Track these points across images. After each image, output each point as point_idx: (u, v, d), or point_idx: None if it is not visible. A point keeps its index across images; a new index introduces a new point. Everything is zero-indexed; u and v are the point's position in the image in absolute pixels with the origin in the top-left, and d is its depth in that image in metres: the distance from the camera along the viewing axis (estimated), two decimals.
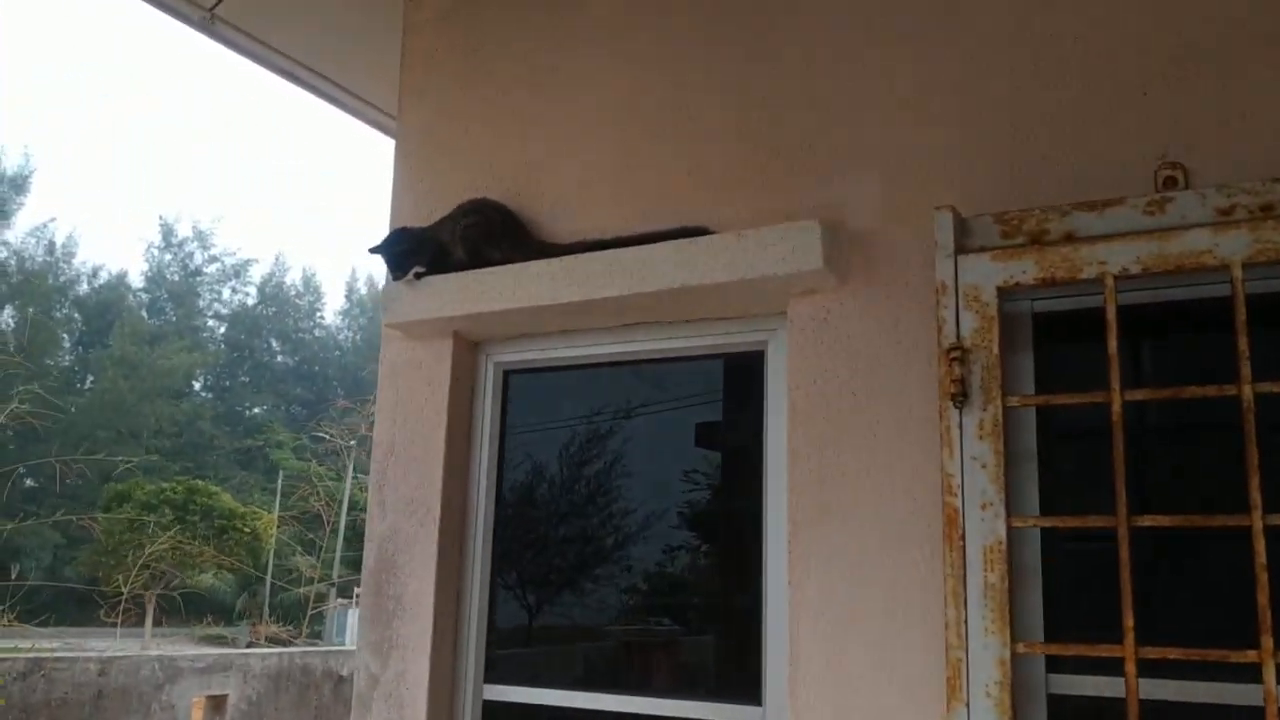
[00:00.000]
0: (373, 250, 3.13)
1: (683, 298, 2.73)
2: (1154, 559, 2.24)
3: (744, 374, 2.90)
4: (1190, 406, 2.19)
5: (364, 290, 63.44)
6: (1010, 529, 2.12)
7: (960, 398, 2.19)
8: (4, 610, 8.43)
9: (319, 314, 64.03)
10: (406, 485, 3.06)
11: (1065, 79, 2.47)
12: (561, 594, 3.18)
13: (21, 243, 50.18)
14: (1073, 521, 2.18)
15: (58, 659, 10.83)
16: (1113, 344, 2.08)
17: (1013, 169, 2.46)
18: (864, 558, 2.43)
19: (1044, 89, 2.48)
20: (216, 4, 3.99)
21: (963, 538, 2.15)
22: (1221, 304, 2.06)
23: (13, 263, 48.48)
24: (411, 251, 3.06)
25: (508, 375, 3.21)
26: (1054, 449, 2.33)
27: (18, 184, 49.94)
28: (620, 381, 3.11)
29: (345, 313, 65.17)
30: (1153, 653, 1.95)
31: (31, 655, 10.70)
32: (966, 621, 2.10)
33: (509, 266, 2.91)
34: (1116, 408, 2.06)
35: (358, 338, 62.78)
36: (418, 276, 3.04)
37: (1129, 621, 1.96)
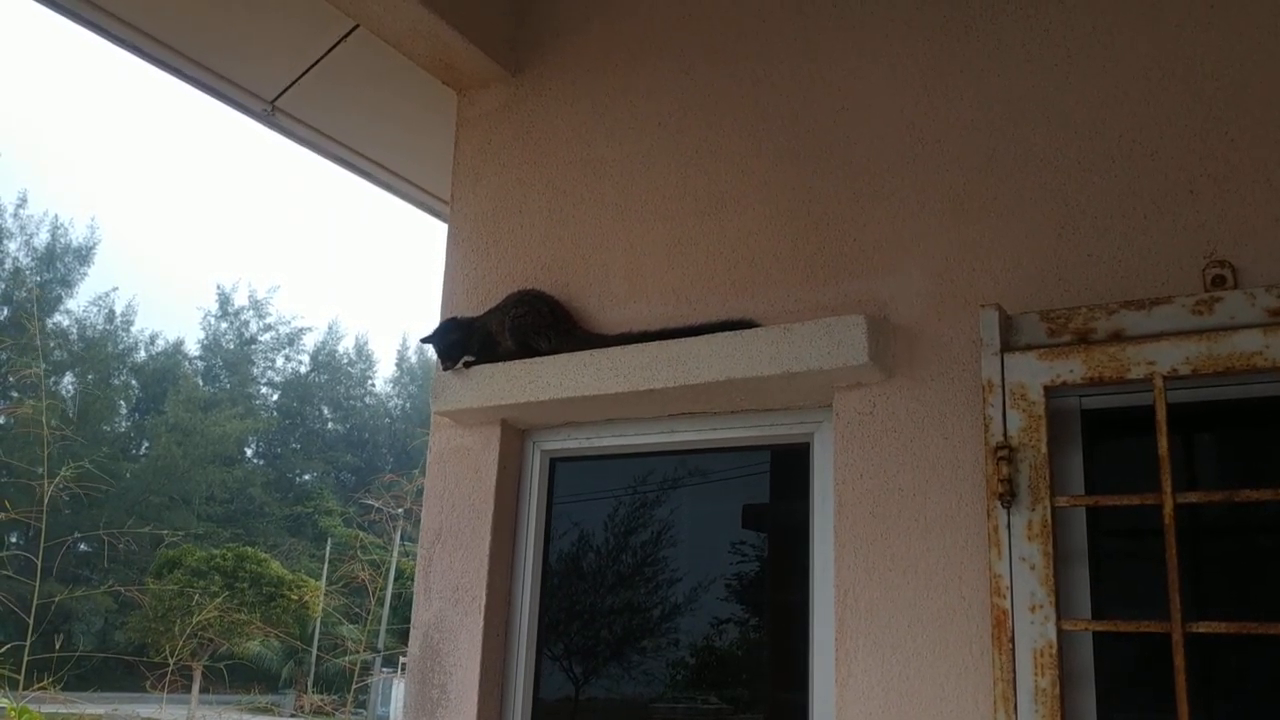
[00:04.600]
0: (424, 340, 3.20)
1: (728, 390, 2.74)
2: (1215, 657, 2.19)
3: (790, 460, 2.89)
4: (1247, 506, 2.15)
5: (414, 359, 64.09)
6: (1061, 632, 2.09)
7: (1008, 497, 2.17)
8: (50, 681, 8.48)
9: (370, 382, 64.68)
10: (453, 573, 3.07)
11: (1111, 175, 2.47)
12: (608, 666, 3.17)
13: (84, 311, 51.59)
14: (1126, 626, 2.14)
15: None
16: (1163, 445, 2.06)
17: (1058, 265, 2.46)
18: (912, 654, 2.39)
19: (1090, 185, 2.49)
20: (277, 97, 4.14)
21: (1012, 640, 2.12)
22: (1276, 403, 2.04)
23: (74, 331, 49.74)
24: (461, 342, 3.11)
25: (554, 463, 3.23)
26: (1105, 546, 2.29)
27: (82, 255, 51.45)
28: (667, 461, 3.12)
29: (395, 380, 65.79)
30: None
31: None
32: None
33: (556, 357, 2.95)
34: (1169, 510, 2.03)
35: (407, 405, 63.27)
36: (467, 366, 3.09)
37: None
